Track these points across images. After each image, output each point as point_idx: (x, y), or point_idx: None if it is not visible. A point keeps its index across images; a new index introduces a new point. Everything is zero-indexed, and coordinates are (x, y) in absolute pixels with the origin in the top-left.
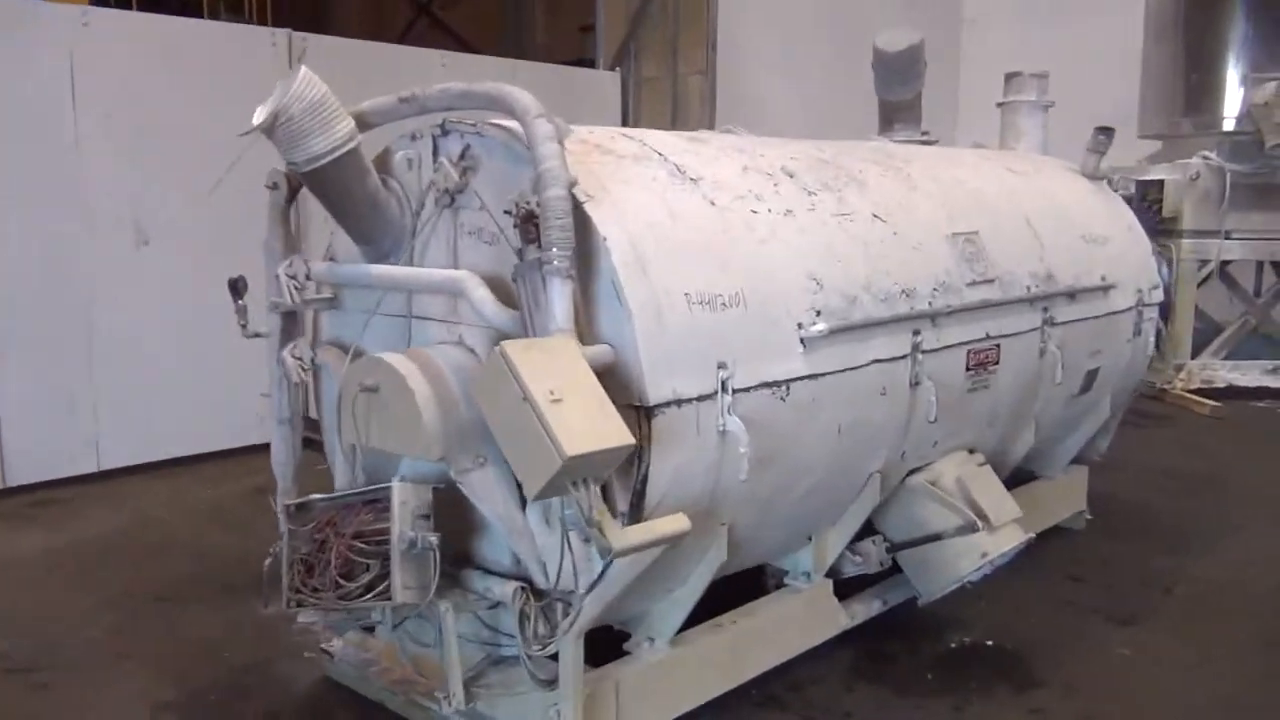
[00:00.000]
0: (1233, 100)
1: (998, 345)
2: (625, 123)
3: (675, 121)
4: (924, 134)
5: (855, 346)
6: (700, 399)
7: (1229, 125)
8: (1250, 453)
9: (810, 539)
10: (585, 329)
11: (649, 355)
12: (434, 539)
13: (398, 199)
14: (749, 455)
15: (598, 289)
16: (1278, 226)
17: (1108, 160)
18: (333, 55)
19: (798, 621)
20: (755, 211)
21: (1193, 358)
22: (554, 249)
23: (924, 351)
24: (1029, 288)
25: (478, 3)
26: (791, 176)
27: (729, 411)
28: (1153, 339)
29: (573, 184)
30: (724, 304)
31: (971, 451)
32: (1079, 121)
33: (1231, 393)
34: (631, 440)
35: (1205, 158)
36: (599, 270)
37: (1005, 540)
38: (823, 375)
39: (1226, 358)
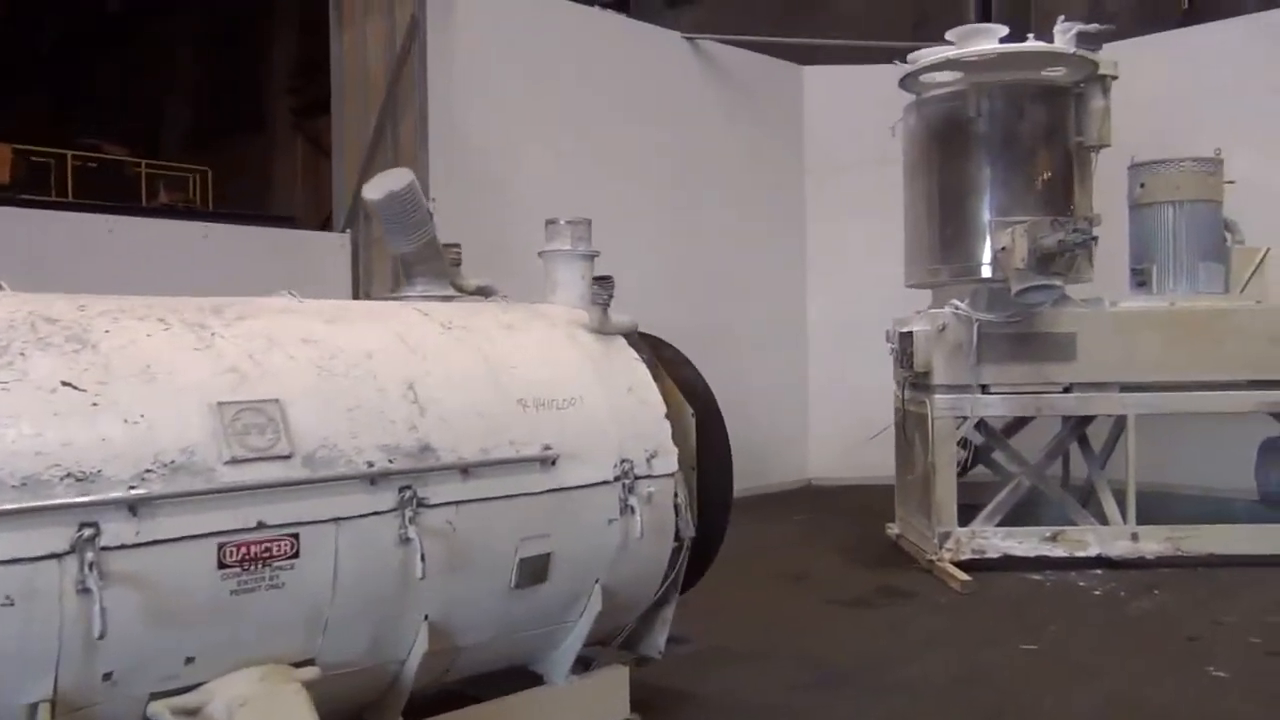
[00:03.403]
0: (987, 246)
1: (294, 535)
2: (355, 286)
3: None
4: (478, 287)
5: None
6: None
7: (986, 272)
8: (951, 638)
9: None
10: None
11: None
12: None
13: None
14: None
15: None
16: (1035, 379)
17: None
18: None
19: None
20: None
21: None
22: None
23: (109, 549)
24: (371, 463)
25: None
26: None
27: None
28: (654, 516)
29: None
30: None
31: (305, 663)
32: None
33: (1008, 563)
34: None
35: (954, 307)
36: None
37: None
38: None
39: (1001, 524)
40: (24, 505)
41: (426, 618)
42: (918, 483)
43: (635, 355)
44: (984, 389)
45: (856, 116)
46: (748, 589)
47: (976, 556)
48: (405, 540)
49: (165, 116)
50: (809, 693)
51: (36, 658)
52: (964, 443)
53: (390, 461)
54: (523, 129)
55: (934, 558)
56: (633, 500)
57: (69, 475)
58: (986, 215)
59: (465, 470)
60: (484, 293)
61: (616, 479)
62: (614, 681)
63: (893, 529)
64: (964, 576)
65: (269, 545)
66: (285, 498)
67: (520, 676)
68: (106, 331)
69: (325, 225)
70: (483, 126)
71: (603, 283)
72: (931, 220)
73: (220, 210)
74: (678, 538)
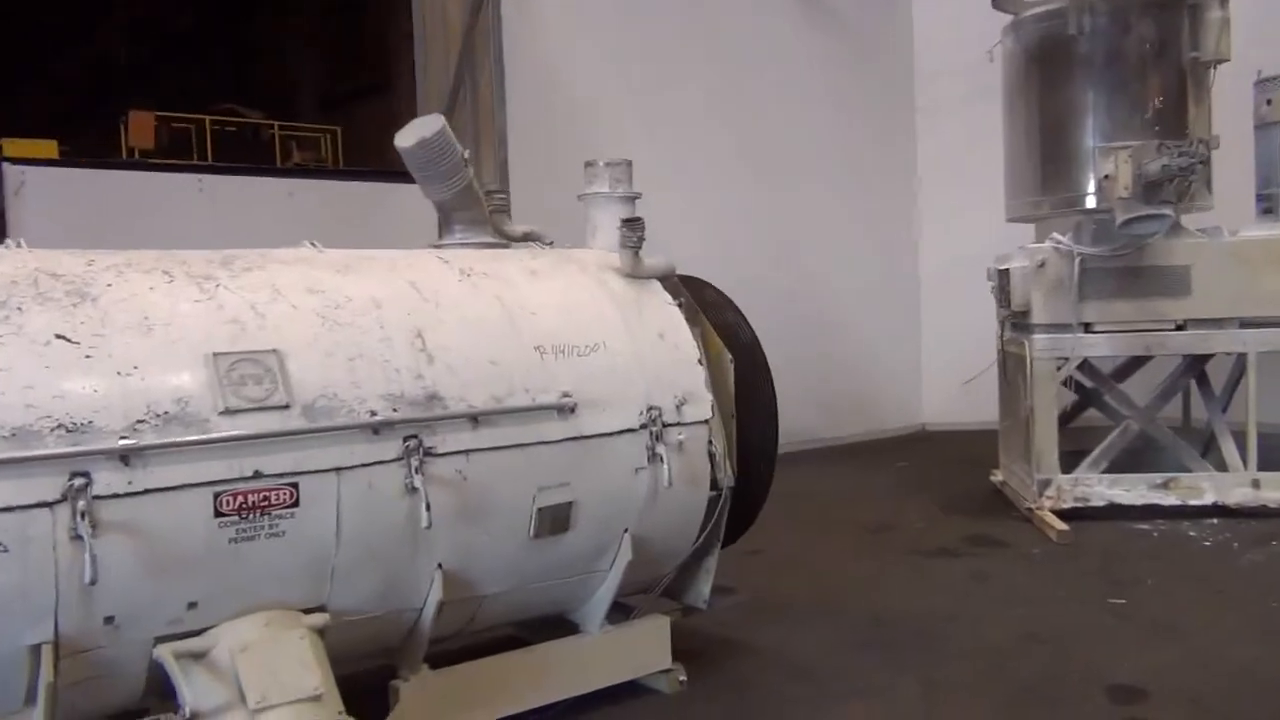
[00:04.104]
0: (1091, 175)
1: (293, 484)
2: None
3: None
4: (524, 233)
5: None
6: None
7: (1090, 203)
8: (1032, 593)
9: None
10: None
11: None
12: None
13: None
14: None
15: None
16: (1145, 317)
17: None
18: (61, 186)
19: None
20: None
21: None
22: None
23: (102, 497)
24: (374, 412)
25: None
26: None
27: None
28: (685, 464)
29: None
30: None
31: (315, 610)
32: None
33: (1114, 513)
34: None
35: (1054, 241)
36: None
37: None
38: None
39: (1108, 470)
40: (13, 455)
41: (440, 566)
42: (1019, 427)
43: (669, 299)
44: (1087, 328)
45: (972, 45)
46: (826, 539)
47: (1079, 505)
48: (411, 489)
49: (298, 80)
50: (856, 652)
51: (35, 602)
52: (1071, 384)
53: (394, 411)
54: (605, 73)
55: (1033, 506)
56: (660, 448)
57: (59, 426)
58: (1090, 141)
59: (475, 419)
60: (530, 239)
61: (643, 426)
62: (653, 632)
63: (997, 476)
64: (1062, 526)
65: (267, 494)
66: (283, 448)
67: (568, 625)
68: (108, 285)
69: None
70: (563, 70)
71: (632, 225)
72: (1031, 149)
73: (328, 168)
74: (715, 487)
